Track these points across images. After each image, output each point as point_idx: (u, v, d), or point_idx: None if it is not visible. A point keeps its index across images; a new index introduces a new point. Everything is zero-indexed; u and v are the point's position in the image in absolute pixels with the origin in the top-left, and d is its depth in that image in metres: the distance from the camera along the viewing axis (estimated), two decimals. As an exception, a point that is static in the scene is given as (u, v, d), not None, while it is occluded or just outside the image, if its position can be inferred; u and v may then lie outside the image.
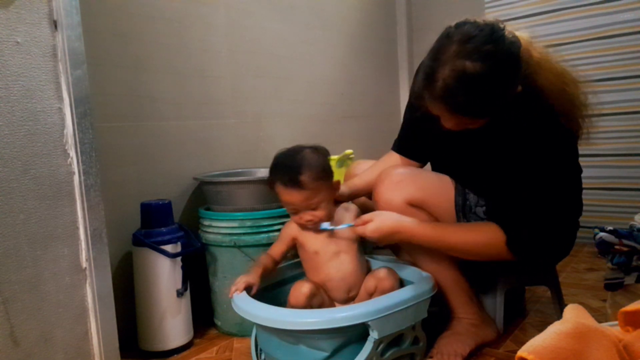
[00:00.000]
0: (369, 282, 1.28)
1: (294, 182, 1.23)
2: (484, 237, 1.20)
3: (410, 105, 1.43)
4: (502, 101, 1.09)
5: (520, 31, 1.16)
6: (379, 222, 1.22)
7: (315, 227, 1.29)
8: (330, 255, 1.30)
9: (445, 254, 1.28)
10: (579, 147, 1.27)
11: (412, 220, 1.23)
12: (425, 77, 1.10)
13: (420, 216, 1.26)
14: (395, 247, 1.51)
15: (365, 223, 1.23)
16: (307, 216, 1.27)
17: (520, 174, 1.17)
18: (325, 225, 1.28)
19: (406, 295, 1.18)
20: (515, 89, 1.09)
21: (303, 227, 1.30)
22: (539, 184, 1.16)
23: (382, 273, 1.27)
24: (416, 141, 1.42)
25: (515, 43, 1.07)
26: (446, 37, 1.08)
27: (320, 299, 1.27)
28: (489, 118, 1.14)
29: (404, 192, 1.26)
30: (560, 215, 1.20)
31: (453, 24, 1.10)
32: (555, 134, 1.15)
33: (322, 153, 1.31)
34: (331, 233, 1.30)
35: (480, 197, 1.28)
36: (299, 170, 1.23)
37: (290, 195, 1.25)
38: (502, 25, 1.08)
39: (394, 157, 1.45)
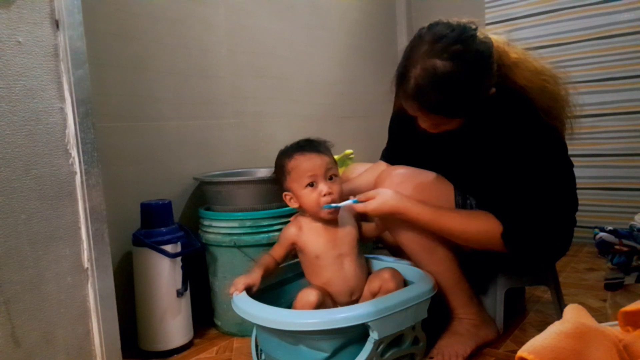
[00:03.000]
0: (373, 283, 1.27)
1: (318, 147, 1.30)
2: (481, 226, 1.20)
3: (393, 115, 1.46)
4: (473, 100, 1.11)
5: (497, 34, 1.19)
6: (382, 201, 1.23)
7: (324, 213, 1.27)
8: (331, 259, 1.29)
9: (446, 255, 1.29)
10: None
11: (413, 202, 1.23)
12: (398, 76, 1.14)
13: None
14: (394, 248, 1.51)
15: (368, 199, 1.24)
16: (325, 188, 1.26)
17: (507, 171, 1.18)
18: (329, 205, 1.27)
19: (406, 296, 1.18)
20: (489, 90, 1.12)
21: (316, 212, 1.28)
22: (526, 179, 1.17)
23: (386, 274, 1.26)
24: (403, 150, 1.44)
25: (486, 44, 1.10)
26: (418, 38, 1.13)
27: (326, 306, 1.26)
28: (463, 118, 1.16)
29: (404, 193, 1.26)
30: (551, 208, 1.20)
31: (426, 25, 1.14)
32: (536, 129, 1.17)
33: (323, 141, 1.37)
34: (332, 237, 1.30)
35: (474, 197, 1.29)
36: (319, 140, 1.33)
37: (312, 161, 1.27)
38: (474, 27, 1.11)
39: (383, 167, 1.46)
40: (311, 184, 1.27)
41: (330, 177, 1.28)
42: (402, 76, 1.12)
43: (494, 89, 1.13)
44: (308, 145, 1.31)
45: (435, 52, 1.07)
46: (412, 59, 1.10)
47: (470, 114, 1.15)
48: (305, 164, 1.27)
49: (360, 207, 1.25)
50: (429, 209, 1.23)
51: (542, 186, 1.17)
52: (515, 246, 1.19)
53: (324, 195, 1.26)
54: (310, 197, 1.27)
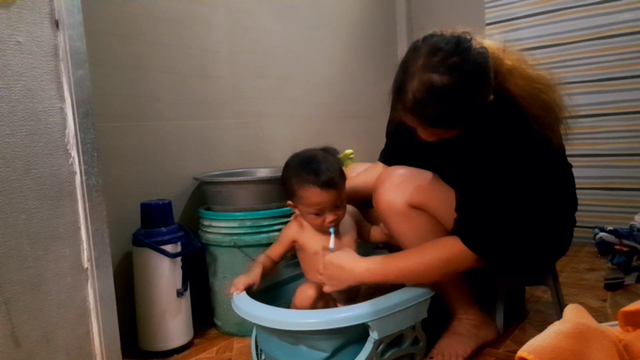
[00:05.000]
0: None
1: (331, 182, 1.24)
2: (442, 249, 1.18)
3: (390, 121, 1.47)
4: (473, 111, 1.10)
5: (492, 39, 1.19)
6: (335, 283, 1.23)
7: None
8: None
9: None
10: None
11: (365, 265, 1.22)
12: (396, 90, 1.12)
13: (421, 218, 1.26)
14: (394, 248, 1.51)
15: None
16: (331, 216, 1.26)
17: (490, 174, 1.16)
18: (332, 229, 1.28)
19: (406, 296, 1.19)
20: (487, 98, 1.11)
21: (320, 228, 1.29)
22: (504, 184, 1.15)
23: None
24: (400, 152, 1.43)
25: (482, 53, 1.09)
26: (414, 51, 1.11)
27: (325, 301, 1.27)
28: (463, 127, 1.15)
29: (405, 194, 1.26)
30: (531, 212, 1.18)
31: (421, 37, 1.13)
32: (524, 138, 1.15)
33: (335, 154, 1.34)
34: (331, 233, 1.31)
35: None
36: (333, 170, 1.26)
37: (323, 196, 1.24)
38: (469, 37, 1.10)
39: (380, 168, 1.45)
40: (317, 213, 1.27)
41: (337, 206, 1.28)
42: (399, 90, 1.11)
43: (492, 96, 1.12)
44: (321, 176, 1.24)
45: (432, 66, 1.06)
46: (409, 73, 1.09)
47: (470, 123, 1.15)
48: (316, 199, 1.24)
49: (325, 290, 1.25)
50: (381, 263, 1.22)
51: (514, 191, 1.15)
52: (479, 248, 1.15)
53: (328, 222, 1.27)
54: (314, 221, 1.28)
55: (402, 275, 1.21)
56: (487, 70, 1.10)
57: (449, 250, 1.17)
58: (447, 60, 1.05)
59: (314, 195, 1.24)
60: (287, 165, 1.32)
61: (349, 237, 1.34)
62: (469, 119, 1.12)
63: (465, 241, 1.15)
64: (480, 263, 1.18)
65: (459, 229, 1.18)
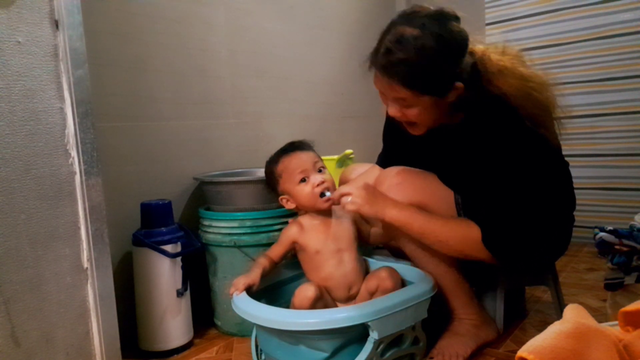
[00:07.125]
0: (371, 282, 1.28)
1: (300, 144, 1.37)
2: (460, 230, 1.20)
3: (386, 123, 1.49)
4: (435, 76, 1.13)
5: (481, 43, 1.22)
6: (358, 205, 1.21)
7: (321, 203, 1.30)
8: (331, 254, 1.31)
9: (446, 255, 1.28)
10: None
11: (392, 203, 1.23)
12: (373, 51, 1.20)
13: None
14: (395, 249, 1.51)
15: (342, 195, 1.23)
16: (319, 178, 1.30)
17: (491, 176, 1.18)
18: (328, 193, 1.30)
19: (406, 296, 1.18)
20: (453, 77, 1.13)
21: (314, 204, 1.31)
22: (505, 185, 1.17)
23: (384, 273, 1.27)
24: (397, 154, 1.44)
25: (461, 32, 1.14)
26: (397, 15, 1.19)
27: (324, 302, 1.27)
28: (423, 96, 1.15)
29: (405, 194, 1.26)
30: (531, 211, 1.19)
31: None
32: (519, 136, 1.16)
33: (307, 143, 1.42)
34: (331, 232, 1.31)
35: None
36: (301, 140, 1.40)
37: (298, 158, 1.33)
38: (454, 15, 1.15)
39: (377, 171, 1.45)
40: (303, 179, 1.31)
41: (319, 170, 1.33)
42: (375, 50, 1.18)
43: (461, 84, 1.14)
44: (291, 147, 1.37)
45: (407, 22, 1.13)
46: (385, 30, 1.17)
47: (430, 92, 1.15)
48: (294, 162, 1.32)
49: (347, 207, 1.23)
50: (409, 210, 1.22)
51: (520, 191, 1.17)
52: (497, 251, 1.18)
53: (318, 185, 1.29)
54: (304, 190, 1.31)
55: (422, 231, 1.21)
56: (460, 46, 1.13)
57: (471, 236, 1.18)
58: (422, 20, 1.11)
59: (291, 160, 1.33)
60: (266, 164, 1.42)
61: (348, 237, 1.34)
62: (430, 85, 1.14)
63: (487, 244, 1.17)
64: (492, 261, 1.20)
65: (483, 230, 1.18)
